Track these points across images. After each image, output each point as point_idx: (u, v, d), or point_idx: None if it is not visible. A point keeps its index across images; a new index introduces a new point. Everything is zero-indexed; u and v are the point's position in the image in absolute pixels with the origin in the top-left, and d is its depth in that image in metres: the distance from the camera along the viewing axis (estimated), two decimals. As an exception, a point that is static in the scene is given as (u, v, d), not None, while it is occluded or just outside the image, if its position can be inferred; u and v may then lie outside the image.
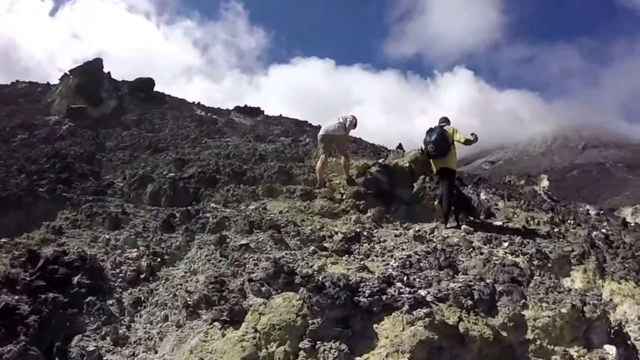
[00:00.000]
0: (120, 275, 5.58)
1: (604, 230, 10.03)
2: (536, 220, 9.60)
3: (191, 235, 6.80)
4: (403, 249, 6.87)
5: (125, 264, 5.80)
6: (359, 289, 5.05)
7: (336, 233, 7.17)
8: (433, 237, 7.77)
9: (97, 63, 20.99)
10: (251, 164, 10.73)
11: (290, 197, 9.03)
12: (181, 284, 5.44)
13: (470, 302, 5.32)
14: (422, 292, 5.26)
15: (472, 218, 9.39)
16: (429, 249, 6.81)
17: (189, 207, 8.00)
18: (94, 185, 9.36)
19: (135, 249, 6.21)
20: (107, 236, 6.54)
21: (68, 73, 20.23)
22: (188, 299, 4.89)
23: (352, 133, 9.75)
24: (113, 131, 16.30)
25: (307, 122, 23.05)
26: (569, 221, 10.31)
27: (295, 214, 8.06)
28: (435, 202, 9.19)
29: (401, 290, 5.21)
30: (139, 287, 5.44)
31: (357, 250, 6.69)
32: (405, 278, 5.57)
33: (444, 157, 8.79)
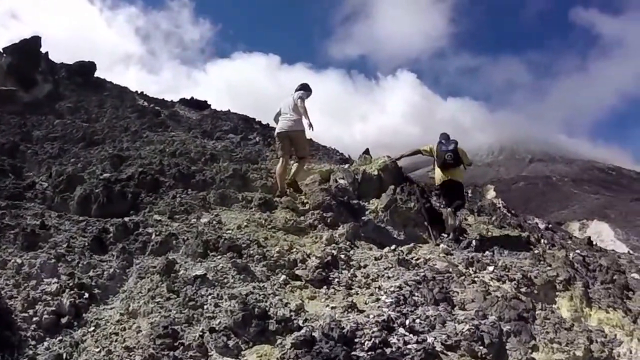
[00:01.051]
0: (34, 319, 4.06)
1: (578, 251, 9.33)
2: (512, 239, 8.73)
3: (129, 258, 5.33)
4: (389, 277, 5.73)
5: (41, 302, 4.26)
6: (355, 339, 3.88)
7: (308, 256, 5.91)
8: (415, 260, 6.66)
9: (34, 42, 18.47)
10: (201, 165, 9.20)
11: (247, 206, 7.64)
12: (117, 333, 4.00)
13: (482, 347, 4.44)
14: (429, 339, 4.27)
15: (445, 235, 8.40)
16: (418, 278, 5.71)
17: (127, 219, 6.43)
18: (11, 186, 7.49)
19: (56, 279, 4.66)
20: (19, 260, 4.90)
21: (1, 51, 17.67)
22: (127, 361, 3.46)
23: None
24: (44, 119, 14.17)
25: (255, 119, 21.46)
26: (543, 241, 9.56)
27: (256, 229, 6.70)
28: (447, 211, 8.41)
29: (406, 338, 4.15)
30: (60, 338, 3.95)
31: (336, 280, 5.48)
32: (406, 321, 4.44)
33: (456, 168, 8.46)
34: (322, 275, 5.38)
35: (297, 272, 5.44)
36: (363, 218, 8.26)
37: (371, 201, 8.72)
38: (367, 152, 10.18)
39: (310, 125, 7.69)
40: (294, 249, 6.13)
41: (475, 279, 6.20)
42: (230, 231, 6.43)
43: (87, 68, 20.97)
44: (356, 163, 10.00)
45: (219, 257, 5.48)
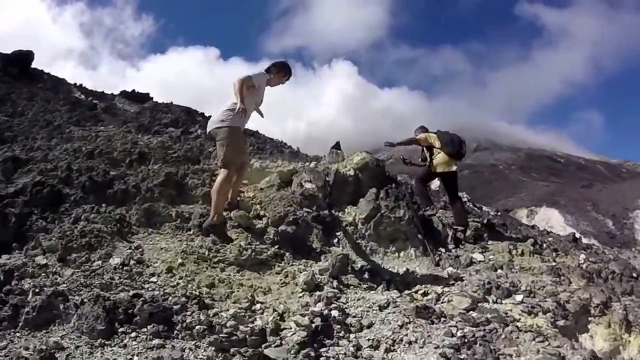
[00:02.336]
0: None
1: (584, 256, 7.55)
2: (519, 249, 6.81)
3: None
4: (412, 342, 3.63)
5: None
6: None
7: (282, 318, 3.72)
8: (431, 301, 4.64)
9: None
10: (123, 168, 6.76)
11: (183, 227, 5.37)
12: None
13: None
14: None
15: (443, 250, 6.42)
16: (454, 340, 3.66)
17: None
18: None
19: None
20: None
21: None
22: None
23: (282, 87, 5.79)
24: None
25: (198, 111, 18.93)
26: (544, 244, 7.73)
27: (197, 268, 4.49)
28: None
29: None
30: None
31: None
32: None
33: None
34: (312, 356, 3.22)
35: (268, 353, 3.25)
36: (338, 234, 6.14)
37: (347, 210, 6.61)
38: (337, 146, 8.02)
39: (242, 111, 4.89)
40: (258, 304, 3.93)
41: (519, 324, 4.23)
42: (155, 279, 4.16)
43: (24, 58, 18.09)
44: (325, 160, 7.82)
45: (133, 335, 3.23)
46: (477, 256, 6.41)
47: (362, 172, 6.96)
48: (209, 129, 5.26)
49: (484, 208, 18.59)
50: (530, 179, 62.19)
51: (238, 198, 6.08)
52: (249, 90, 5.08)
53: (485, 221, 8.21)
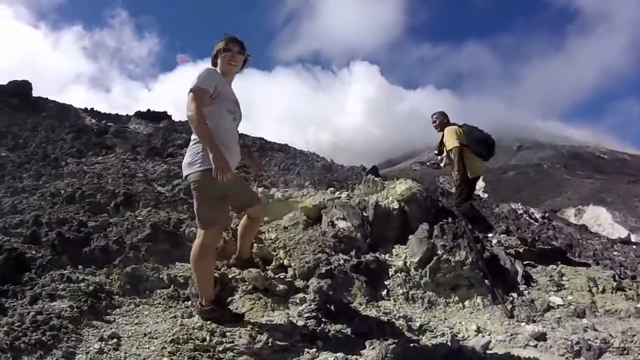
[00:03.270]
0: None
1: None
2: (600, 286, 5.23)
3: None
4: None
5: None
6: None
7: None
8: None
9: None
10: (107, 215, 5.37)
11: (178, 297, 3.98)
12: None
13: None
14: None
15: (515, 295, 4.88)
16: None
17: None
18: None
19: None
20: None
21: None
22: None
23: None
24: None
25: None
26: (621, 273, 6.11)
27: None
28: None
29: None
30: None
31: None
32: None
33: None
34: None
35: None
36: (387, 283, 4.65)
37: (394, 251, 5.12)
38: (374, 171, 6.55)
39: (219, 167, 3.31)
40: None
41: None
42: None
43: (21, 87, 17.26)
44: (359, 190, 6.32)
45: None
46: (555, 299, 4.89)
47: (408, 205, 5.48)
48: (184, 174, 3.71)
49: (531, 209, 16.91)
50: (575, 177, 59.23)
51: (253, 249, 4.65)
52: (213, 104, 3.60)
53: (554, 246, 6.65)
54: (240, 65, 3.86)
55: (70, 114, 16.69)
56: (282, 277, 4.42)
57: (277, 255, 4.94)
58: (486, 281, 4.78)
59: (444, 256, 4.78)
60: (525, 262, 5.73)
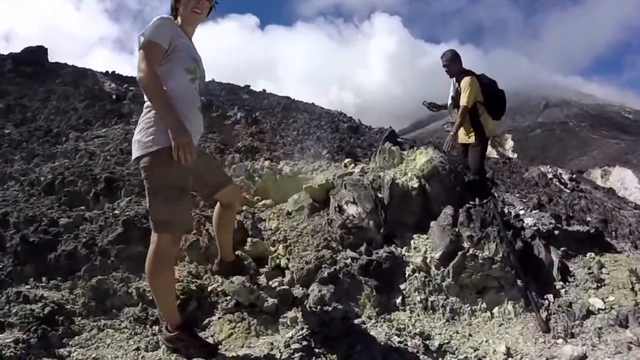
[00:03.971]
0: None
1: None
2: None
3: None
4: None
5: None
6: None
7: None
8: None
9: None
10: (81, 211, 4.69)
11: (146, 320, 3.30)
12: None
13: None
14: None
15: (551, 297, 3.99)
16: None
17: None
18: None
19: None
20: None
21: None
22: None
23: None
24: None
25: (248, 87, 16.71)
26: None
27: None
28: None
29: None
30: None
31: None
32: None
33: None
34: None
35: None
36: (403, 288, 3.85)
37: (413, 242, 4.26)
38: (391, 137, 5.58)
39: (180, 143, 2.62)
40: None
41: None
42: None
43: (35, 54, 16.80)
44: (374, 163, 5.40)
45: None
46: (595, 301, 3.96)
47: (429, 182, 4.54)
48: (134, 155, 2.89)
49: (558, 170, 15.69)
50: (600, 137, 56.40)
51: (247, 244, 3.91)
52: (167, 62, 2.81)
53: (590, 226, 5.70)
54: (206, 14, 3.06)
55: (87, 79, 16.16)
56: (276, 284, 3.69)
57: (275, 252, 4.20)
58: (518, 281, 3.90)
59: (471, 250, 3.90)
60: (561, 249, 4.83)
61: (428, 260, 4.00)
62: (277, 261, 4.04)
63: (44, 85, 14.44)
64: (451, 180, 4.58)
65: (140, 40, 2.74)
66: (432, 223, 4.32)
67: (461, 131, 5.60)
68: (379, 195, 4.50)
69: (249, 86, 15.68)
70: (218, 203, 3.27)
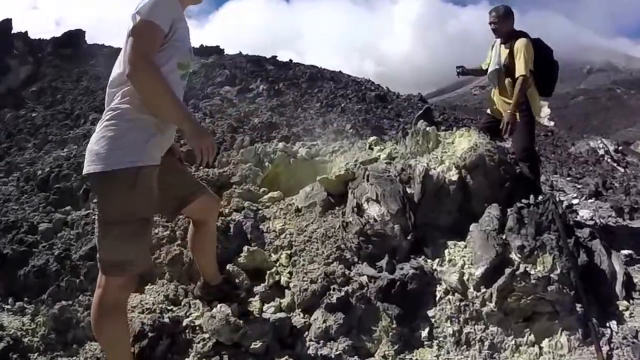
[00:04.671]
0: None
1: None
2: None
3: None
4: None
5: None
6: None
7: None
8: None
9: (5, 25, 14.44)
10: (65, 212, 4.09)
11: None
12: None
13: None
14: None
15: (612, 325, 3.07)
16: None
17: None
18: None
19: None
20: None
21: None
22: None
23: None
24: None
25: (274, 57, 15.82)
26: None
27: None
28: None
29: None
30: None
31: None
32: None
33: None
34: None
35: None
36: (431, 315, 3.02)
37: (448, 253, 3.39)
38: (427, 114, 4.65)
39: (206, 146, 2.09)
40: None
41: None
42: None
43: (75, 37, 16.77)
44: (403, 147, 4.46)
45: None
46: None
47: (472, 174, 3.62)
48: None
49: (602, 140, 14.05)
50: None
51: (242, 254, 3.21)
52: (161, 52, 2.13)
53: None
54: None
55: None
56: (272, 309, 2.97)
57: (276, 262, 3.47)
58: (577, 305, 2.98)
59: (521, 267, 3.02)
60: (625, 254, 3.84)
61: (465, 278, 3.14)
62: (277, 277, 3.30)
63: (79, 67, 14.22)
64: (500, 174, 3.64)
65: (135, 19, 2.04)
66: (473, 227, 3.44)
67: (499, 102, 4.63)
68: (408, 190, 3.64)
69: (275, 57, 14.84)
70: (191, 223, 2.57)
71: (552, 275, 3.00)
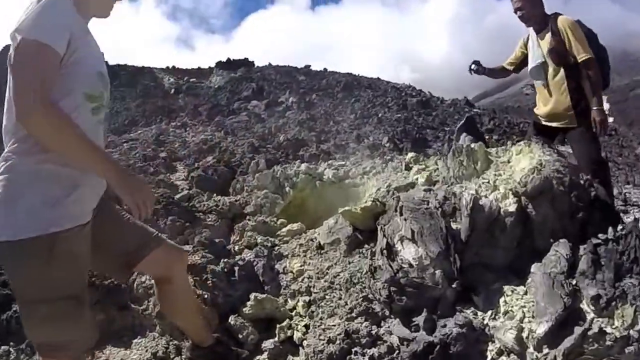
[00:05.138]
0: None
1: None
2: None
3: None
4: None
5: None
6: None
7: None
8: None
9: (4, 53, 14.52)
10: None
11: None
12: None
13: None
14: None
15: None
16: None
17: None
18: None
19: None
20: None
21: None
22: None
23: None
24: None
25: (307, 67, 15.49)
26: None
27: None
28: None
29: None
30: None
31: None
32: None
33: None
34: None
35: None
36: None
37: (503, 302, 2.74)
38: (469, 126, 4.00)
39: (138, 199, 1.65)
40: None
41: None
42: None
43: None
44: (445, 169, 3.83)
45: None
46: None
47: (534, 203, 2.97)
48: None
49: None
50: None
51: (249, 305, 2.70)
52: (60, 81, 1.57)
53: None
54: None
55: (144, 77, 15.81)
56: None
57: (292, 311, 2.94)
58: None
59: (595, 323, 2.35)
60: None
61: (525, 336, 2.50)
62: (289, 332, 2.77)
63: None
64: (571, 201, 2.96)
65: (15, 39, 1.53)
66: (535, 268, 2.78)
67: (547, 102, 3.97)
68: (453, 225, 3.02)
69: (309, 66, 14.45)
70: (153, 282, 2.09)
71: (631, 331, 2.33)
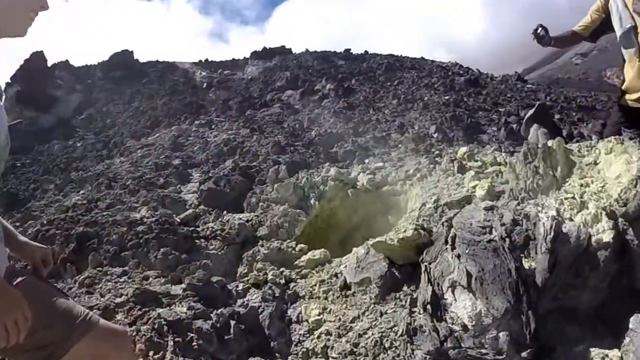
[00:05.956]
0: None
1: None
2: None
3: None
4: None
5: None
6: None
7: None
8: None
9: (37, 59, 15.26)
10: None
11: None
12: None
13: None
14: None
15: None
16: None
17: None
18: None
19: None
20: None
21: (10, 81, 14.52)
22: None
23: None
24: (48, 147, 9.75)
25: (347, 50, 14.62)
26: None
27: None
28: None
29: None
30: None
31: None
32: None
33: None
34: None
35: None
36: None
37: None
38: (540, 117, 3.17)
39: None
40: None
41: None
42: None
43: (123, 58, 17.02)
44: (512, 175, 2.96)
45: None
46: None
47: (635, 227, 2.12)
48: None
49: None
50: None
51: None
52: None
53: None
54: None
55: (176, 73, 15.51)
56: None
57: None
58: None
59: None
60: None
61: None
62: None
63: (132, 87, 14.15)
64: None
65: None
66: (635, 322, 1.95)
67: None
68: (525, 263, 2.21)
69: (349, 50, 13.61)
70: None
71: None
